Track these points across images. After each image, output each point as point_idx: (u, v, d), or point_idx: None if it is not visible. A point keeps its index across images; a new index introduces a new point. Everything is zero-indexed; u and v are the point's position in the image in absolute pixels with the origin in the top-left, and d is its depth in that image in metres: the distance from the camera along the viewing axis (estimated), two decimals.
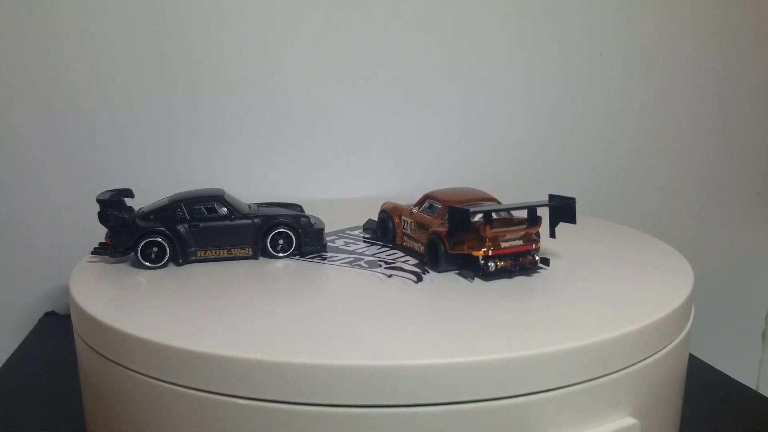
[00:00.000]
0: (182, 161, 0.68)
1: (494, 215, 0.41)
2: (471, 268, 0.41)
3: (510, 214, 0.43)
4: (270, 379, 0.29)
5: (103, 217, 0.46)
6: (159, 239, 0.44)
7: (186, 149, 0.68)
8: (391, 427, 0.29)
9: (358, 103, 0.71)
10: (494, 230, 0.40)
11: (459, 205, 0.41)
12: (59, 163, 0.66)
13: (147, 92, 0.66)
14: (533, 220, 0.41)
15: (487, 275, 0.40)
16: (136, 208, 0.48)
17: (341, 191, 0.73)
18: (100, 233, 0.66)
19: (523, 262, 0.40)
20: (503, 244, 0.40)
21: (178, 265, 0.45)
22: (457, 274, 0.41)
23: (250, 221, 0.46)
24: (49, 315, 0.68)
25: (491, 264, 0.39)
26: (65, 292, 0.67)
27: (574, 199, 0.42)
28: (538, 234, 0.42)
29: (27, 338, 0.61)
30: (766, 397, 0.51)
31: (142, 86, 0.66)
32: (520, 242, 0.41)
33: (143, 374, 0.32)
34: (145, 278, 0.42)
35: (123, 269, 0.44)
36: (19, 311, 0.67)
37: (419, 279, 0.41)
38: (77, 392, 0.41)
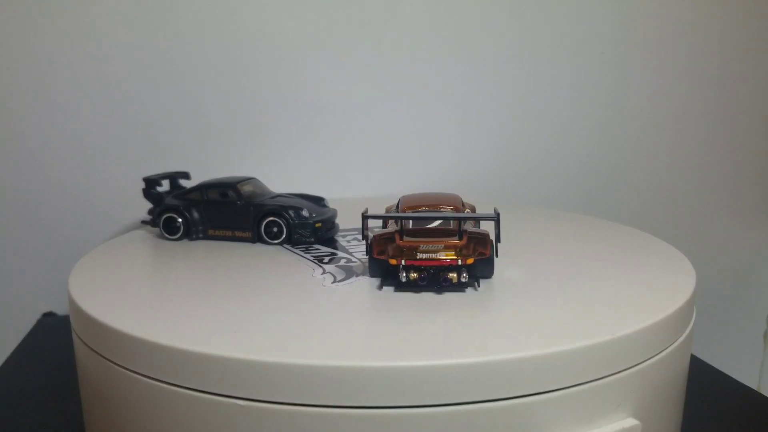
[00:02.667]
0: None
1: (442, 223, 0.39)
2: (394, 276, 0.39)
3: (460, 224, 0.40)
4: (270, 380, 0.29)
5: (145, 193, 0.55)
6: (175, 215, 0.51)
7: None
8: (392, 429, 0.29)
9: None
10: (409, 240, 0.38)
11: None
12: (59, 162, 0.65)
13: (152, 92, 0.66)
14: (460, 233, 0.38)
15: (398, 285, 0.38)
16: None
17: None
18: (99, 234, 0.66)
19: (441, 278, 0.38)
20: (419, 255, 0.38)
21: (192, 239, 0.51)
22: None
23: (249, 208, 0.50)
24: (48, 315, 0.68)
25: (402, 274, 0.38)
26: (64, 292, 0.67)
27: (498, 215, 0.38)
28: (475, 249, 0.38)
29: (25, 339, 0.61)
30: (767, 397, 0.51)
31: (146, 86, 0.66)
32: (443, 256, 0.37)
33: (142, 375, 0.32)
34: (145, 278, 0.42)
35: (123, 269, 0.44)
36: (18, 312, 0.67)
37: (346, 278, 0.41)
38: (76, 393, 0.41)
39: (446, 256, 0.37)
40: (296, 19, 0.68)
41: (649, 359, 0.33)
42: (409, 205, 0.41)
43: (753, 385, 0.86)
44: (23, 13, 0.62)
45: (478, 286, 0.39)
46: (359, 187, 0.73)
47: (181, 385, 0.30)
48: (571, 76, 0.76)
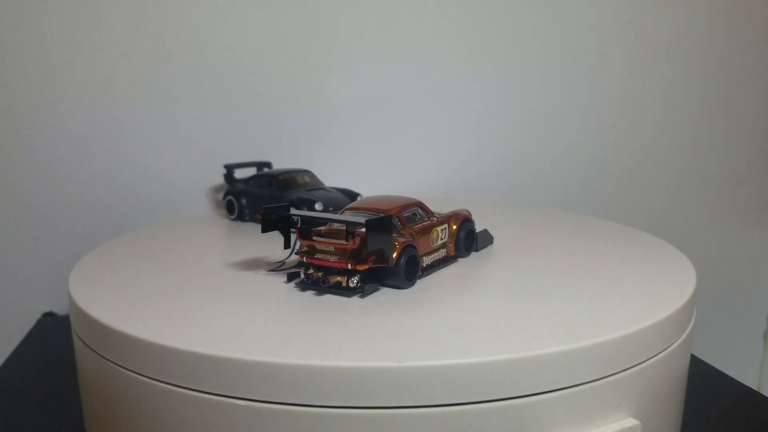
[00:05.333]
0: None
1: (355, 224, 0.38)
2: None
3: (347, 227, 0.38)
4: (270, 380, 0.29)
5: (225, 178, 0.63)
6: (233, 199, 0.59)
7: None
8: (392, 429, 0.29)
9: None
10: (317, 239, 0.38)
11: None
12: (59, 162, 0.65)
13: (152, 91, 0.66)
14: (346, 236, 0.37)
15: (299, 281, 0.39)
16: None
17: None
18: (98, 234, 0.66)
19: (330, 280, 0.37)
20: (317, 255, 0.38)
21: (243, 221, 0.58)
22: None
23: (280, 197, 0.55)
24: (48, 315, 0.67)
25: (301, 270, 0.38)
26: (64, 292, 0.67)
27: (363, 222, 0.35)
28: (371, 256, 0.37)
29: (25, 339, 0.61)
30: (767, 397, 0.51)
31: (146, 85, 0.66)
32: (335, 258, 0.37)
33: (142, 375, 0.32)
34: (145, 278, 0.42)
35: (123, 269, 0.44)
36: (18, 311, 0.67)
37: (281, 269, 0.42)
38: (76, 393, 0.41)
39: (337, 259, 0.37)
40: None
41: (649, 359, 0.33)
42: (353, 207, 0.41)
43: (753, 385, 0.87)
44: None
45: (364, 294, 0.37)
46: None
47: (181, 385, 0.30)
48: (572, 77, 0.76)
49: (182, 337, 0.31)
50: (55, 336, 0.62)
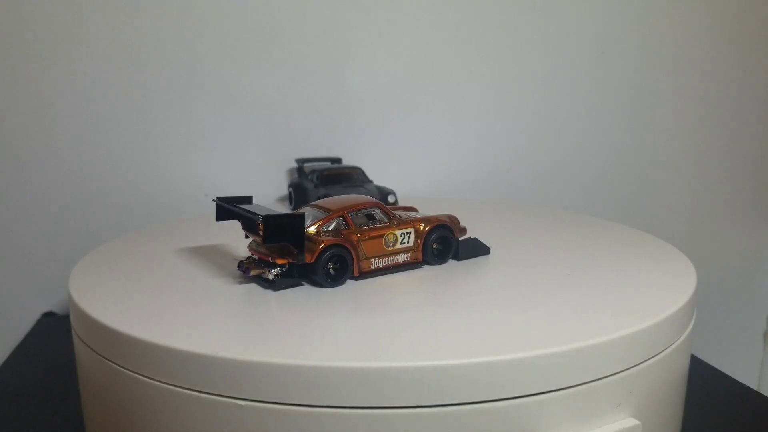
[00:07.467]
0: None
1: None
2: None
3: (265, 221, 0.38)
4: (270, 381, 0.29)
5: (298, 171, 0.67)
6: (292, 191, 0.65)
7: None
8: (392, 429, 0.29)
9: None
10: (253, 232, 0.39)
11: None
12: (59, 162, 0.65)
13: (153, 91, 0.66)
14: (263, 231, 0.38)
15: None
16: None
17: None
18: (99, 233, 0.66)
19: (251, 271, 0.39)
20: (254, 246, 0.40)
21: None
22: None
23: (318, 192, 0.59)
24: (48, 315, 0.67)
25: (242, 260, 0.40)
26: (64, 292, 0.67)
27: (261, 217, 0.36)
28: (292, 252, 0.38)
29: (25, 339, 0.61)
30: (767, 397, 0.51)
31: (149, 88, 0.66)
32: (263, 250, 0.39)
33: (142, 375, 0.32)
34: (144, 278, 0.42)
35: (123, 269, 0.44)
36: (18, 311, 0.67)
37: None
38: (76, 393, 0.41)
39: (264, 252, 0.39)
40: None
41: (649, 359, 0.33)
42: (314, 204, 0.43)
43: (753, 385, 0.87)
44: None
45: (276, 288, 0.38)
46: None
47: (181, 385, 0.30)
48: (571, 77, 0.76)
49: (183, 337, 0.31)
50: (55, 336, 0.62)
